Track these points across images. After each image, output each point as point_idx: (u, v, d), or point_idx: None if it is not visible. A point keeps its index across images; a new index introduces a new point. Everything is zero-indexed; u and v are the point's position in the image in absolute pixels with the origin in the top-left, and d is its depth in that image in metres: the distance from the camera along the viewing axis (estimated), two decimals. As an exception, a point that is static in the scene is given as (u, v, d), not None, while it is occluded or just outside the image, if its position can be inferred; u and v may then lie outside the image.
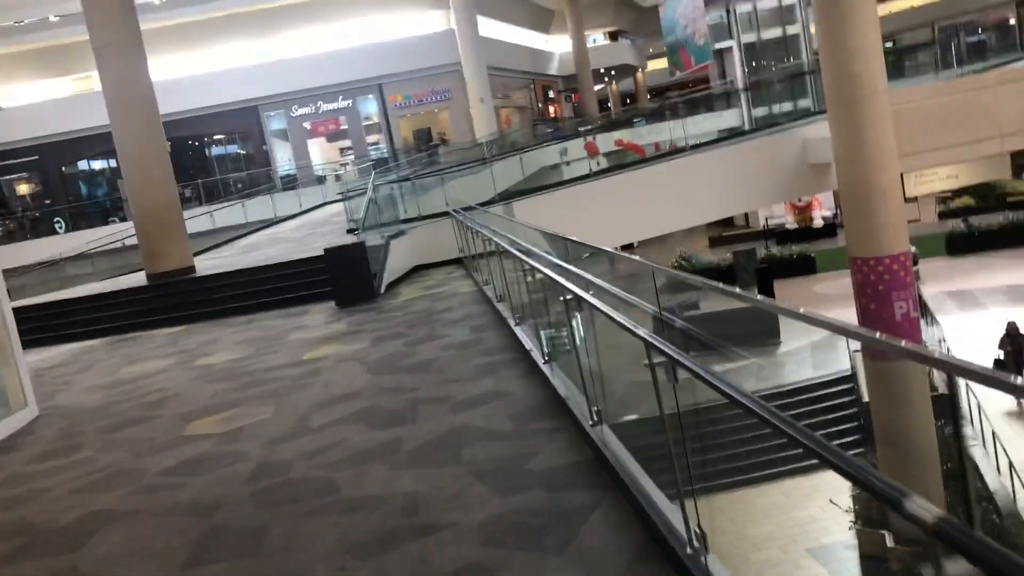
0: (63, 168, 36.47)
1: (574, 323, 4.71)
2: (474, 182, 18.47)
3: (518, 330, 7.46)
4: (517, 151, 24.48)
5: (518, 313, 7.76)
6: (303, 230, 21.75)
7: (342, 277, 12.26)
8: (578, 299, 4.23)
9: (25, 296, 20.71)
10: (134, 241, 16.65)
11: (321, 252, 12.79)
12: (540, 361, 6.16)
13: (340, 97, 35.41)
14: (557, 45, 48.48)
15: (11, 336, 8.48)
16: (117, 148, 15.36)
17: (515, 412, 5.54)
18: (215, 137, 37.27)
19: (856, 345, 19.63)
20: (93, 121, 29.33)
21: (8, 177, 36.81)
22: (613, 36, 53.44)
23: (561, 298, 4.45)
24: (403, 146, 35.85)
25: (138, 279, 15.89)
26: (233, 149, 37.83)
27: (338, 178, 33.15)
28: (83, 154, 35.98)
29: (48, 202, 36.25)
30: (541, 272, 5.26)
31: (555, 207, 16.50)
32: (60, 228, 32.99)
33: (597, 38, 51.67)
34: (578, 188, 17.60)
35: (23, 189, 37.42)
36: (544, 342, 6.22)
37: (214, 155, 37.68)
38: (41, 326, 14.89)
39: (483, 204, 16.01)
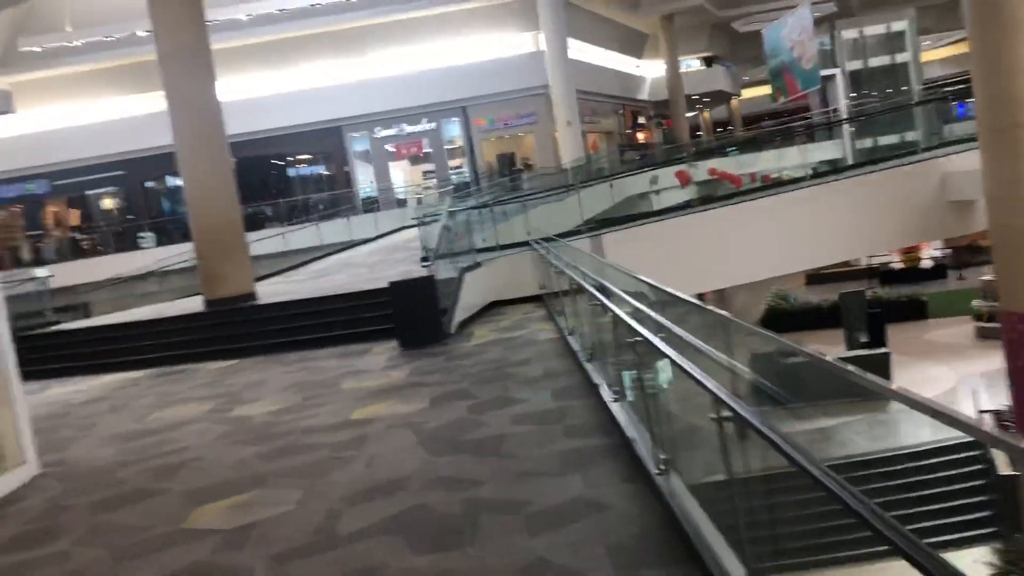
0: (146, 183, 36.46)
1: (722, 436, 3.08)
2: (559, 210, 16.95)
3: (616, 408, 5.82)
4: (605, 178, 22.89)
5: (615, 386, 6.13)
6: (377, 255, 20.59)
7: (408, 314, 10.84)
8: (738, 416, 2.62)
9: (92, 315, 20.06)
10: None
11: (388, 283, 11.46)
12: (650, 463, 4.51)
13: (424, 119, 34.47)
14: (649, 70, 46.83)
15: (10, 376, 7.22)
16: (179, 161, 14.36)
17: (616, 544, 3.92)
18: (298, 157, 36.75)
19: (985, 404, 17.37)
20: (175, 137, 29.11)
21: (94, 192, 36.97)
22: (707, 62, 51.48)
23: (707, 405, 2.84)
24: (486, 170, 34.67)
25: (196, 304, 14.81)
26: (315, 170, 37.26)
27: (419, 201, 32.17)
28: (167, 170, 35.88)
29: (131, 217, 36.24)
30: (660, 350, 3.67)
31: (647, 242, 14.84)
32: (145, 243, 32.73)
33: (691, 63, 49.81)
34: (674, 221, 15.89)
35: (107, 204, 37.55)
36: (653, 433, 4.58)
37: (296, 175, 37.17)
38: (93, 351, 13.92)
39: (567, 235, 14.49)
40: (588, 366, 7.44)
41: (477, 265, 13.38)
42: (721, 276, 15.78)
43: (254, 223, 30.92)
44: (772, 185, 21.01)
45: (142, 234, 33.64)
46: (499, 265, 13.99)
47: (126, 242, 34.02)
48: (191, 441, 7.40)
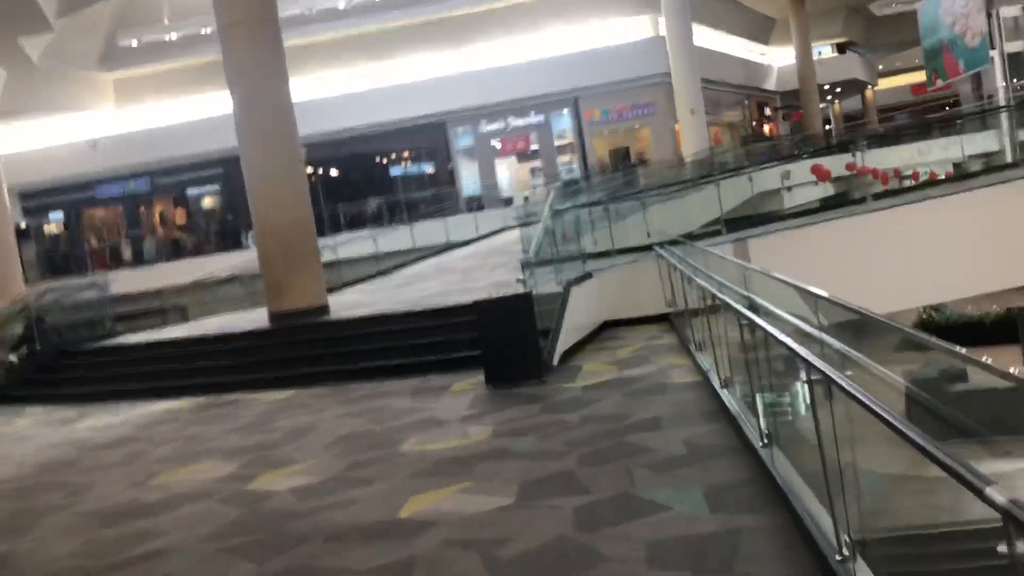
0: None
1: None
2: (684, 208, 14.25)
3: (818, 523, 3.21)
4: (736, 171, 19.95)
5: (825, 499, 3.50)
6: (474, 259, 18.31)
7: (498, 342, 8.41)
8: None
9: (170, 323, 18.51)
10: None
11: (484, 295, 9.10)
12: None
13: (532, 112, 32.11)
14: (776, 58, 43.14)
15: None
16: (241, 153, 12.39)
17: None
18: (399, 154, 35.00)
19: None
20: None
21: (196, 190, 36.21)
22: (841, 48, 47.31)
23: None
24: (598, 167, 32.04)
25: (262, 318, 12.79)
26: (417, 167, 35.44)
27: (526, 200, 29.84)
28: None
29: (230, 217, 35.26)
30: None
31: (800, 248, 11.98)
32: (248, 242, 31.43)
33: (823, 50, 45.78)
34: (837, 224, 12.92)
35: (209, 202, 36.76)
36: None
37: (398, 173, 35.41)
38: (144, 372, 12.12)
39: (696, 238, 11.81)
40: (750, 430, 4.84)
41: (587, 276, 10.85)
42: (902, 294, 12.70)
43: (353, 223, 29.30)
44: (939, 182, 17.71)
45: (245, 233, 32.45)
46: (614, 276, 11.41)
47: (229, 242, 32.95)
48: (174, 538, 5.16)
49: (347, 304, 13.54)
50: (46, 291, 15.72)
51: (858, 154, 23.45)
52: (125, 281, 29.58)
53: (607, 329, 10.79)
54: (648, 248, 11.76)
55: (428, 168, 34.84)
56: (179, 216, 37.20)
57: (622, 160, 33.35)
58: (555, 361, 8.90)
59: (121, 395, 11.54)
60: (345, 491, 5.59)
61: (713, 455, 5.16)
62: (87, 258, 34.81)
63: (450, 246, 21.44)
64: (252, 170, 12.29)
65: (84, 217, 36.72)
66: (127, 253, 35.13)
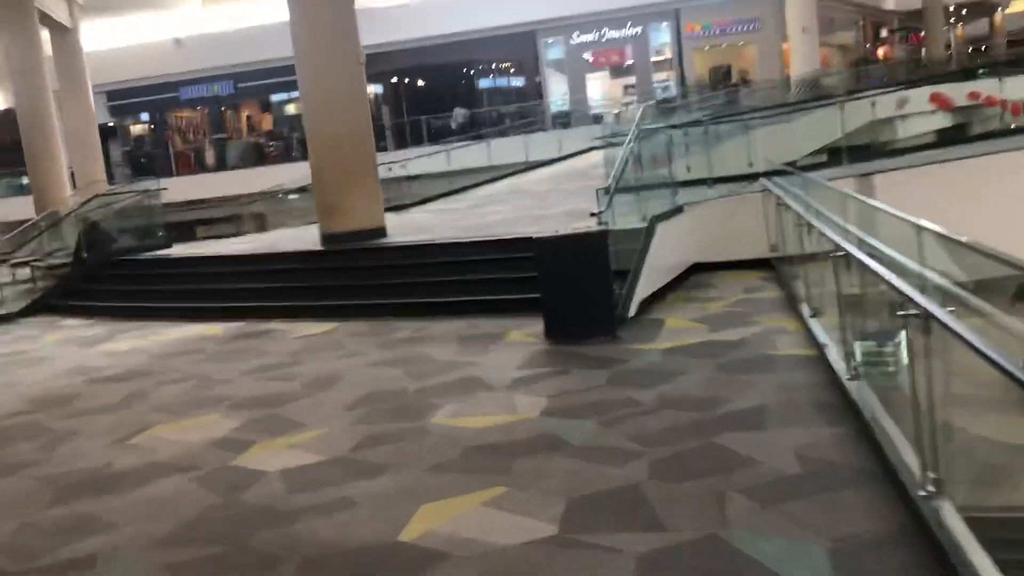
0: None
1: None
2: (796, 133, 12.41)
3: None
4: (854, 95, 17.71)
5: None
6: (554, 182, 16.80)
7: (562, 288, 7.01)
8: None
9: (248, 231, 17.66)
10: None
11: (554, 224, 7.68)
12: None
13: (628, 23, 29.82)
14: (899, -28, 39.22)
15: None
16: (295, 54, 11.05)
17: None
18: (486, 66, 33.19)
19: None
20: (372, 39, 26.52)
21: (280, 96, 35.22)
22: (974, -37, 42.85)
23: None
24: (695, 85, 29.68)
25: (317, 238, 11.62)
26: (504, 80, 33.62)
27: (617, 118, 27.83)
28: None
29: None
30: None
31: (936, 186, 10.10)
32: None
33: (954, -36, 41.47)
34: (972, 162, 10.92)
35: (293, 109, 35.74)
36: None
37: (484, 86, 33.64)
38: (184, 290, 11.17)
39: (806, 168, 10.06)
40: (897, 449, 3.38)
41: (677, 210, 9.26)
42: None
43: (435, 137, 27.80)
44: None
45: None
46: (709, 210, 9.77)
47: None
48: (118, 537, 3.99)
49: (408, 226, 12.28)
50: (101, 196, 14.92)
51: (992, 82, 20.69)
52: (206, 186, 29.25)
53: (696, 273, 9.23)
54: (751, 178, 10.08)
55: (515, 81, 33.01)
56: (265, 122, 36.46)
57: (723, 79, 30.89)
58: (631, 312, 7.44)
59: (158, 314, 10.65)
60: (346, 484, 4.34)
61: (840, 483, 3.70)
62: (171, 160, 34.53)
63: (530, 166, 19.90)
64: (306, 74, 10.96)
65: (169, 118, 36.29)
66: (210, 157, 34.67)
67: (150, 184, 14.45)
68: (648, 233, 8.18)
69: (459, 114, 29.61)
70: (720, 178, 10.49)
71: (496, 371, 6.26)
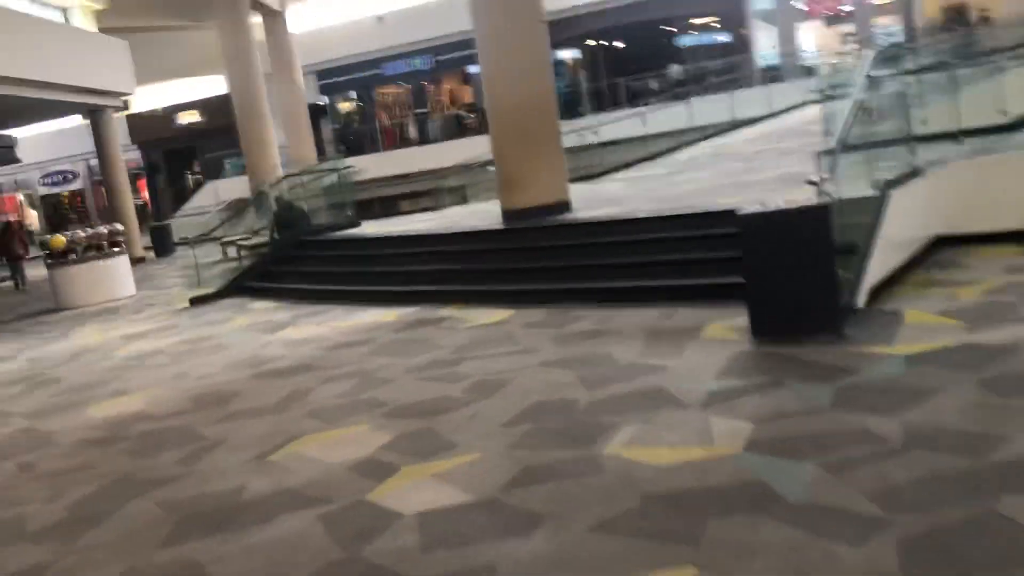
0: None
1: None
2: None
3: None
4: None
5: None
6: (762, 142, 15.19)
7: (772, 271, 5.76)
8: None
9: (448, 204, 17.32)
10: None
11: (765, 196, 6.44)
12: None
13: (848, -36, 26.97)
14: None
15: None
16: (472, 15, 10.26)
17: None
18: (687, 21, 31.27)
19: None
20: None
21: (477, 68, 35.03)
22: None
23: None
24: (926, 28, 26.35)
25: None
26: (708, 35, 31.53)
27: (834, 68, 25.19)
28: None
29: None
30: None
31: None
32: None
33: None
34: None
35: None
36: None
37: (685, 43, 31.72)
38: (372, 273, 10.78)
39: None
40: None
41: (914, 173, 7.63)
42: None
43: (634, 99, 26.42)
44: None
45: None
46: (955, 172, 8.02)
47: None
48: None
49: (596, 198, 11.28)
50: (294, 175, 14.98)
51: None
52: (410, 160, 29.61)
53: (940, 249, 7.59)
54: (1011, 129, 8.23)
55: (719, 36, 30.88)
56: (464, 94, 36.54)
57: (958, 19, 27.25)
58: (860, 301, 6.06)
59: (340, 297, 10.33)
60: (490, 542, 3.46)
61: None
62: (377, 136, 35.36)
63: (735, 125, 18.23)
64: (484, 35, 10.17)
65: (375, 95, 37.12)
66: (413, 131, 35.16)
67: (338, 163, 14.28)
68: (880, 202, 6.70)
69: (675, 71, 28.04)
70: (969, 131, 8.68)
71: (688, 380, 5.16)
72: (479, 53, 10.40)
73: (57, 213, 36.87)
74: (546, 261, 8.86)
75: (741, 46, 29.03)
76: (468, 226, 10.97)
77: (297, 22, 27.98)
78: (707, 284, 7.19)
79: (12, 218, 26.30)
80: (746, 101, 19.73)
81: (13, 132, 25.48)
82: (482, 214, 12.03)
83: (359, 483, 4.35)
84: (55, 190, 38.01)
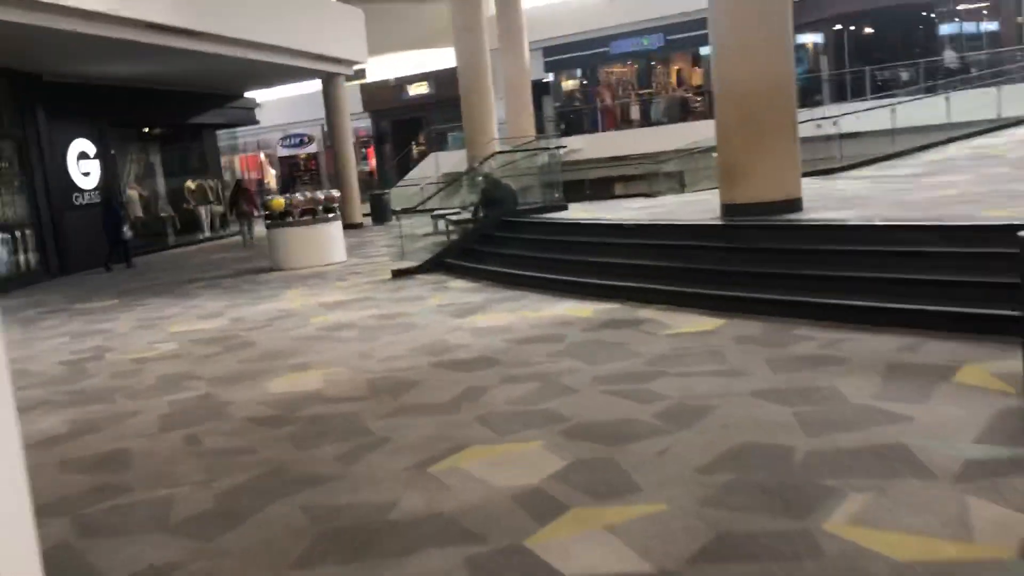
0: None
1: None
2: None
3: None
4: None
5: None
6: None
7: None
8: None
9: (664, 192, 16.53)
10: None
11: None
12: None
13: None
14: None
15: None
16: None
17: None
18: (948, 8, 28.10)
19: None
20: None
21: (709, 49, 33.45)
22: None
23: None
24: None
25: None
26: (971, 24, 28.20)
27: None
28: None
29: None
30: None
31: None
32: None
33: None
34: None
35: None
36: None
37: (943, 32, 28.53)
38: (573, 262, 10.16)
39: None
40: None
41: None
42: None
43: (881, 90, 24.11)
44: None
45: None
46: None
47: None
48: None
49: (831, 197, 10.04)
50: (505, 152, 14.62)
51: None
52: (629, 141, 28.85)
53: None
54: None
55: (985, 25, 27.51)
56: (693, 76, 35.13)
57: None
58: None
59: (537, 284, 9.83)
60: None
61: None
62: (598, 115, 34.78)
63: (1002, 124, 15.96)
64: (720, 11, 9.17)
65: (599, 74, 36.51)
66: (636, 112, 34.30)
67: (549, 142, 13.73)
68: None
69: (950, 57, 25.33)
70: None
71: (938, 438, 4.11)
72: (711, 27, 9.42)
73: (291, 174, 39.22)
74: (768, 266, 7.83)
75: (1013, 35, 25.70)
76: (682, 218, 10.07)
77: (526, -2, 27.79)
78: (966, 313, 5.94)
79: (246, 177, 28.06)
80: (1017, 97, 17.25)
81: (258, 94, 27.12)
82: (699, 205, 11.09)
83: (520, 520, 3.70)
84: (292, 152, 40.43)
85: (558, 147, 13.28)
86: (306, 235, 14.65)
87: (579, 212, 12.47)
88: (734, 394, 5.17)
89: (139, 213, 21.70)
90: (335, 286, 11.96)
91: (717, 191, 9.63)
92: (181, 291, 13.02)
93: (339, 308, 10.01)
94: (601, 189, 25.60)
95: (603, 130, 33.51)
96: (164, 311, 11.16)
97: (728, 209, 9.26)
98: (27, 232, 16.55)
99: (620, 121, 34.79)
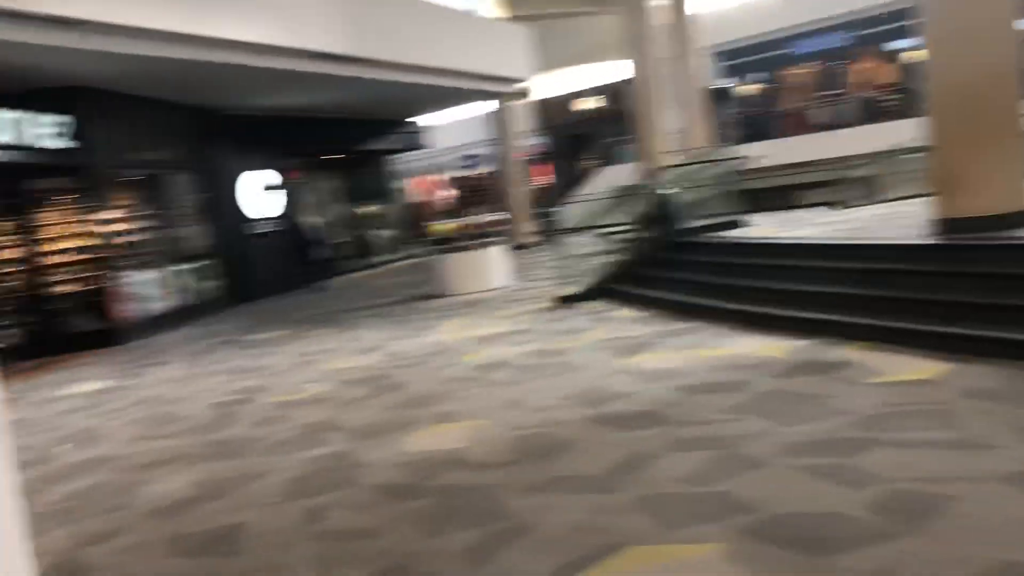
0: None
1: None
2: None
3: None
4: None
5: None
6: None
7: None
8: None
9: (851, 202, 14.86)
10: None
11: None
12: None
13: None
14: None
15: None
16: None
17: None
18: None
19: None
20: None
21: (901, 43, 30.80)
22: None
23: None
24: None
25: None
26: None
27: None
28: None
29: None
30: None
31: None
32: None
33: None
34: None
35: (913, 56, 30.88)
36: None
37: None
38: (752, 288, 8.98)
39: None
40: None
41: None
42: None
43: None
44: None
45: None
46: None
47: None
48: None
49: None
50: (677, 165, 13.47)
51: None
52: (812, 146, 26.87)
53: None
54: None
55: None
56: (885, 73, 32.48)
57: None
58: None
59: (713, 315, 8.73)
60: None
61: None
62: (778, 120, 32.81)
63: None
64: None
65: (778, 76, 34.50)
66: (820, 115, 32.07)
67: (726, 152, 12.50)
68: None
69: None
70: None
71: None
72: (921, 13, 7.99)
73: (464, 196, 39.47)
74: (1004, 295, 6.38)
75: None
76: (883, 237, 8.64)
77: (700, 2, 26.53)
78: None
79: (421, 200, 28.24)
80: None
81: (429, 118, 27.28)
82: (899, 219, 9.58)
83: None
84: (466, 172, 40.72)
85: (738, 157, 12.01)
86: (469, 260, 14.15)
87: (759, 230, 11.19)
88: (977, 478, 3.95)
89: (319, 239, 22.14)
90: (494, 316, 11.30)
91: (915, 200, 8.19)
92: (347, 321, 12.79)
93: (494, 342, 9.30)
94: (778, 198, 23.85)
95: (783, 136, 31.53)
96: (326, 343, 10.87)
97: (943, 225, 7.78)
98: (212, 261, 17.04)
99: (802, 125, 32.64)
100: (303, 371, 9.24)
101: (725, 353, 7.25)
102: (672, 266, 10.80)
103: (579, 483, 4.66)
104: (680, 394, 6.18)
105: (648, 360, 7.42)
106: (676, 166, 13.21)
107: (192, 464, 6.18)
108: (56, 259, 13.80)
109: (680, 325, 8.73)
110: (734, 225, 11.40)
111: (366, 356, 9.58)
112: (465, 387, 7.37)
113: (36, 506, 5.62)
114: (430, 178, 38.33)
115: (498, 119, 23.94)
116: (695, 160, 13.35)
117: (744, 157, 12.15)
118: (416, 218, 20.76)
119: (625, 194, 14.29)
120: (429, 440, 5.92)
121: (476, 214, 17.38)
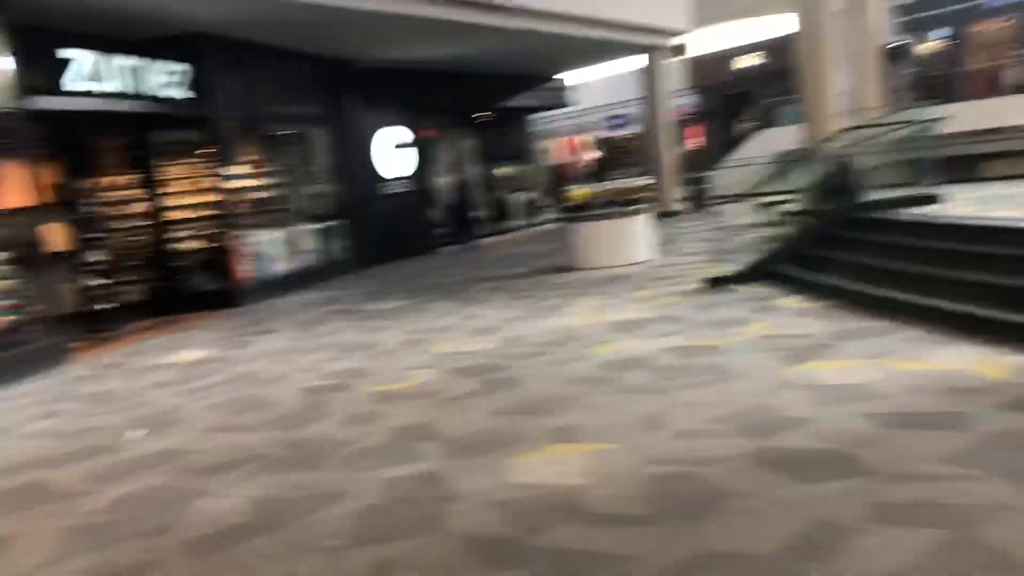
0: None
1: None
2: None
3: None
4: None
5: None
6: None
7: None
8: None
9: None
10: None
11: None
12: None
13: None
14: None
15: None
16: None
17: None
18: None
19: None
20: None
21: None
22: None
23: None
24: None
25: None
26: None
27: None
28: None
29: None
30: None
31: None
32: None
33: None
34: None
35: None
36: None
37: None
38: (969, 283, 7.22)
39: None
40: None
41: None
42: None
43: None
44: None
45: None
46: None
47: None
48: None
49: None
50: (857, 127, 11.48)
51: None
52: (1003, 110, 23.77)
53: None
54: None
55: None
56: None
57: None
58: None
59: (907, 312, 7.04)
60: None
61: None
62: (963, 82, 29.41)
63: None
64: None
65: (966, 34, 30.91)
66: (1015, 74, 28.52)
67: (920, 114, 10.45)
68: None
69: None
70: None
71: None
72: None
73: (609, 157, 37.76)
74: None
75: None
76: None
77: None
78: None
79: (564, 161, 26.89)
80: None
81: (573, 75, 25.79)
82: None
83: None
84: (612, 133, 38.96)
85: (934, 118, 9.98)
86: (607, 230, 12.72)
87: (960, 207, 9.25)
88: None
89: (453, 201, 21.24)
90: (633, 296, 9.89)
91: None
92: (469, 294, 11.69)
93: (631, 331, 7.92)
94: (963, 169, 21.12)
95: (969, 99, 28.13)
96: (442, 319, 9.81)
97: None
98: (340, 222, 16.33)
99: (993, 87, 29.12)
100: (411, 353, 8.17)
101: (927, 368, 5.62)
102: (851, 247, 9.04)
103: (740, 566, 3.28)
104: (875, 426, 4.65)
105: (825, 370, 5.87)
106: (856, 127, 11.27)
107: (260, 472, 5.16)
108: (180, 214, 13.34)
109: (862, 323, 7.08)
110: (931, 200, 9.46)
111: (482, 339, 8.42)
112: (591, 392, 6.06)
113: (79, 515, 4.76)
114: (573, 139, 36.82)
115: (648, 76, 22.18)
116: (879, 121, 11.35)
117: (942, 117, 10.10)
118: (557, 181, 19.41)
119: (792, 159, 12.53)
120: (541, 467, 4.66)
121: (620, 178, 15.85)
